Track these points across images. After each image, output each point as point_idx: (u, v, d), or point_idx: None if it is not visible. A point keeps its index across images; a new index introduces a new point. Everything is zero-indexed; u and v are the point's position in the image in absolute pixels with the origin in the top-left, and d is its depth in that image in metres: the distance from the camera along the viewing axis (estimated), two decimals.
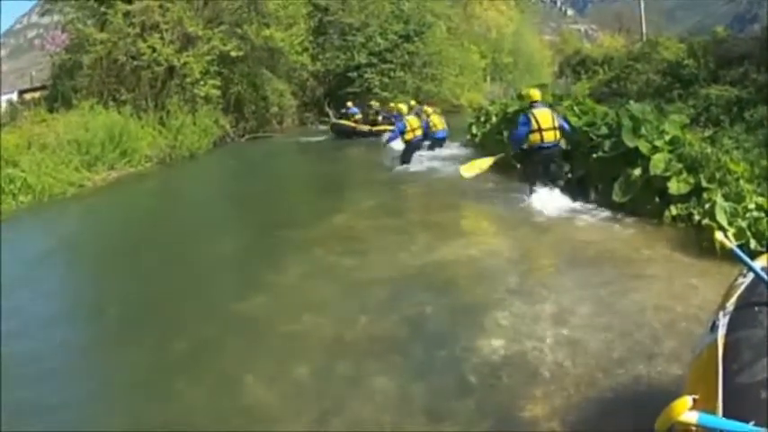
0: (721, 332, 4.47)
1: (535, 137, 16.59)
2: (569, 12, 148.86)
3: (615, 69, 37.67)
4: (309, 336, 9.81)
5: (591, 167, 16.65)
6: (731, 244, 5.23)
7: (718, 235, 5.57)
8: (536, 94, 17.71)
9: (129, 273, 15.32)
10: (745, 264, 5.07)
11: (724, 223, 11.78)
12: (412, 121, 26.36)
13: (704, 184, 13.64)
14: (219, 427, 7.49)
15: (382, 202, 20.45)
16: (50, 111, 35.03)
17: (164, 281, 14.02)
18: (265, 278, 12.72)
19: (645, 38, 44.93)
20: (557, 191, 16.76)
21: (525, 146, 17.10)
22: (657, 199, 14.28)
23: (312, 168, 28.87)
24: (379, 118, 38.91)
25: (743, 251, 10.28)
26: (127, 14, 38.24)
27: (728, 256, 11.30)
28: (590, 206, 16.07)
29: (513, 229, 14.98)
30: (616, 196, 14.99)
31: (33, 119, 32.80)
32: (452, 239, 14.39)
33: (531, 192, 17.01)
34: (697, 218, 12.89)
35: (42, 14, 46.96)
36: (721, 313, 4.77)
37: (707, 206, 12.66)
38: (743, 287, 5.03)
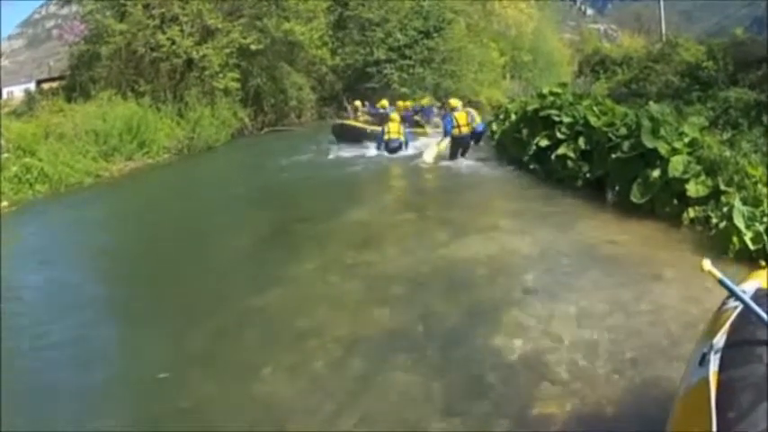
0: (713, 368, 3.97)
1: (455, 131, 26.00)
2: (589, 11, 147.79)
3: (634, 70, 37.46)
4: (326, 330, 9.84)
5: (609, 168, 16.62)
6: (719, 274, 4.46)
7: (705, 264, 4.47)
8: (456, 102, 28.12)
9: (146, 264, 15.38)
10: (736, 296, 4.45)
11: (741, 227, 11.74)
12: (391, 125, 29.22)
13: (722, 187, 13.62)
14: (235, 419, 7.51)
15: (398, 198, 20.51)
16: (68, 101, 35.07)
17: (181, 273, 14.07)
18: (281, 271, 12.77)
19: (664, 38, 44.67)
20: (468, 159, 26.37)
21: (453, 134, 26.09)
22: (675, 201, 14.25)
23: (328, 161, 28.72)
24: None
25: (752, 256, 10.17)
26: (146, 6, 38.33)
27: (745, 259, 11.35)
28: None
29: (531, 227, 14.94)
30: (634, 197, 14.95)
31: (51, 109, 32.86)
32: (470, 236, 14.38)
33: (453, 159, 26.18)
34: (715, 221, 12.88)
35: (62, 5, 46.88)
36: (712, 345, 4.27)
37: (725, 209, 12.63)
38: (735, 315, 4.52)
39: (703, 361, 4.12)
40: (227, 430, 7.44)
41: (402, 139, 28.96)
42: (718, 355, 4.05)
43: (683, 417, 4.14)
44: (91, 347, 10.31)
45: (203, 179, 28.69)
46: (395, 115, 30.27)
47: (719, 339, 4.26)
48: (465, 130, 26.33)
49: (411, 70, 52.27)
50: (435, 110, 37.70)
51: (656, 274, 11.07)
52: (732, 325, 4.37)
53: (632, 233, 13.80)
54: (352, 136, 32.32)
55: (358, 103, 38.45)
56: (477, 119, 28.01)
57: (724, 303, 4.92)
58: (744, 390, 3.67)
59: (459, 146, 26.44)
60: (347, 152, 29.75)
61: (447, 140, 26.85)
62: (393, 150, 28.48)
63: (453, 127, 26.07)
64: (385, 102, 37.59)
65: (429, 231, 15.24)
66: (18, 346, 10.20)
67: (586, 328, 9.03)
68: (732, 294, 4.49)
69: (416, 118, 35.88)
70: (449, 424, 7.08)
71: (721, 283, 4.44)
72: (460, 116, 26.39)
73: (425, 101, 41.06)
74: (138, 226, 19.41)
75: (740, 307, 4.47)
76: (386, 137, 28.77)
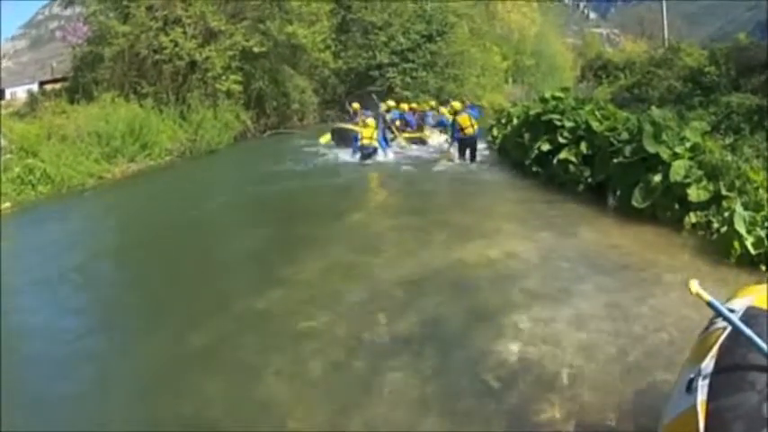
0: (701, 396, 3.78)
1: (460, 133, 27.00)
2: (592, 15, 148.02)
3: (637, 75, 37.55)
4: (326, 332, 9.88)
5: (611, 172, 16.65)
6: (707, 296, 4.25)
7: (693, 285, 4.31)
8: (458, 105, 29.33)
9: (147, 266, 15.38)
10: (727, 320, 4.22)
11: (743, 232, 11.75)
12: (365, 131, 28.91)
13: (724, 192, 13.64)
14: (236, 421, 7.53)
15: (400, 201, 20.49)
16: (71, 102, 34.88)
17: (181, 275, 14.09)
18: (282, 274, 12.76)
19: (667, 43, 44.73)
20: (473, 161, 27.03)
21: (458, 136, 27.24)
22: (677, 206, 14.28)
23: (328, 165, 28.61)
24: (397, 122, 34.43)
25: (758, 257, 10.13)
26: (149, 8, 38.17)
27: (747, 264, 11.36)
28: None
29: (532, 231, 14.96)
30: (636, 202, 14.97)
31: (54, 110, 32.68)
32: (471, 240, 14.39)
33: (461, 159, 27.23)
34: (716, 226, 12.90)
35: (65, 6, 46.80)
36: (700, 371, 4.06)
37: (726, 214, 12.65)
38: (724, 337, 4.27)
39: (690, 387, 3.94)
40: (228, 430, 7.46)
41: (375, 144, 28.61)
42: (707, 382, 3.87)
43: None
44: (91, 348, 10.34)
45: (205, 181, 28.59)
46: (371, 120, 29.69)
47: (708, 364, 4.06)
48: (470, 131, 27.05)
49: (414, 74, 52.15)
50: (432, 114, 36.83)
51: (656, 279, 11.09)
52: (721, 348, 4.17)
53: (633, 238, 13.82)
54: (351, 140, 30.92)
55: (356, 105, 37.52)
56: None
57: (712, 323, 4.72)
58: (735, 420, 3.50)
59: (465, 147, 27.30)
60: (347, 156, 29.51)
61: (454, 145, 28.06)
62: (366, 156, 28.30)
63: (458, 130, 27.13)
64: (405, 105, 37.29)
65: (430, 235, 15.21)
66: (17, 347, 10.22)
67: (587, 332, 9.05)
68: (722, 317, 4.26)
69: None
70: (448, 427, 7.09)
71: (710, 305, 4.25)
72: (463, 119, 27.09)
73: (429, 105, 40.47)
74: (139, 228, 19.38)
75: (729, 327, 4.26)
76: (359, 142, 28.58)
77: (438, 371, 8.32)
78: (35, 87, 48.93)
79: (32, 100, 38.49)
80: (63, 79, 45.91)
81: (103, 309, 12.52)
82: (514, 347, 8.72)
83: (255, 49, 40.40)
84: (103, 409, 8.17)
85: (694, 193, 13.95)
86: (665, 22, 56.53)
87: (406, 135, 33.23)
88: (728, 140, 17.96)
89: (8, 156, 24.88)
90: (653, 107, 19.69)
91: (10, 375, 8.83)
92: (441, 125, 32.89)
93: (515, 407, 7.31)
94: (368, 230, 16.54)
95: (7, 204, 22.26)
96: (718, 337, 4.30)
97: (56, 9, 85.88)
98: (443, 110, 34.63)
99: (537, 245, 13.81)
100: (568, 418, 6.97)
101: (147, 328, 11.06)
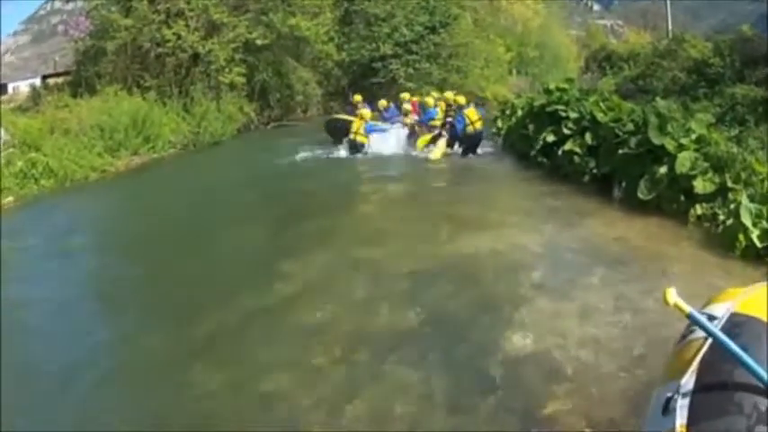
0: (680, 420, 3.39)
1: (468, 128, 25.75)
2: (595, 7, 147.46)
3: (641, 66, 37.52)
4: (329, 326, 9.84)
5: (616, 164, 16.59)
6: (687, 306, 3.81)
7: (670, 295, 3.87)
8: (463, 99, 27.78)
9: (149, 260, 15.33)
10: (711, 334, 3.72)
11: (748, 224, 11.71)
12: (355, 124, 28.58)
13: (729, 184, 13.59)
14: (238, 415, 7.49)
15: (402, 194, 20.43)
16: (74, 96, 34.79)
17: (183, 268, 14.03)
18: (285, 267, 12.72)
19: (670, 35, 44.68)
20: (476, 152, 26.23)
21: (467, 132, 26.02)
22: (682, 197, 14.22)
23: (331, 158, 28.42)
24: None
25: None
26: (152, 1, 38.11)
27: (753, 257, 11.30)
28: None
29: (537, 223, 14.95)
30: (641, 194, 14.92)
31: (57, 104, 32.62)
32: (476, 232, 14.35)
33: (464, 154, 25.88)
34: (722, 218, 12.85)
35: (67, 1, 46.81)
36: (678, 388, 3.63)
37: (732, 207, 12.62)
38: (706, 348, 3.84)
39: (668, 409, 3.56)
40: (229, 429, 7.42)
41: (359, 139, 28.20)
42: (687, 402, 3.50)
43: None
44: (93, 342, 10.30)
45: (208, 175, 28.49)
46: (366, 111, 29.37)
47: (687, 381, 3.67)
48: (478, 125, 26.04)
49: (417, 65, 52.03)
50: (436, 110, 33.72)
51: (662, 271, 11.07)
52: (702, 362, 3.78)
53: (639, 230, 13.78)
54: (345, 131, 29.72)
55: (358, 97, 35.31)
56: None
57: (690, 331, 4.34)
58: None
59: (468, 144, 26.14)
60: (341, 150, 29.24)
61: (444, 140, 27.03)
62: (354, 149, 28.21)
63: (466, 125, 25.77)
64: (405, 94, 35.80)
65: (434, 227, 15.19)
66: (18, 341, 10.20)
67: (593, 324, 9.03)
68: (704, 330, 3.80)
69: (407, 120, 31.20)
70: (454, 420, 7.05)
71: (691, 318, 3.84)
72: (471, 113, 26.16)
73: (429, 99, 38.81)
74: (142, 221, 19.30)
75: (707, 345, 3.85)
76: (350, 135, 28.54)
77: (443, 364, 8.30)
78: (38, 81, 49.03)
79: (35, 94, 38.51)
80: (65, 73, 45.80)
81: (105, 302, 12.49)
82: (520, 340, 8.69)
83: (258, 42, 40.35)
84: (104, 403, 8.14)
85: (700, 185, 13.90)
86: (669, 13, 56.42)
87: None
88: (733, 132, 17.90)
89: (11, 150, 24.84)
90: (658, 98, 19.69)
91: (10, 372, 8.79)
92: (429, 119, 29.88)
93: (521, 400, 7.28)
94: (371, 223, 16.52)
95: (10, 198, 22.23)
96: (699, 348, 3.94)
97: (58, 4, 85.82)
98: (429, 99, 31.23)
99: (542, 236, 13.81)
100: (574, 412, 6.93)
101: (147, 322, 11.03)
